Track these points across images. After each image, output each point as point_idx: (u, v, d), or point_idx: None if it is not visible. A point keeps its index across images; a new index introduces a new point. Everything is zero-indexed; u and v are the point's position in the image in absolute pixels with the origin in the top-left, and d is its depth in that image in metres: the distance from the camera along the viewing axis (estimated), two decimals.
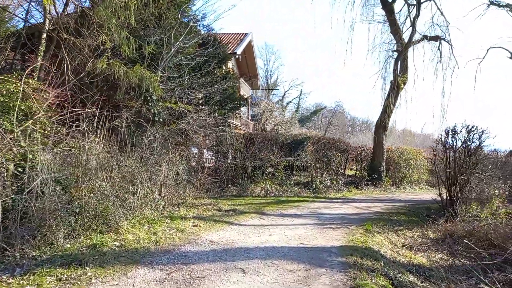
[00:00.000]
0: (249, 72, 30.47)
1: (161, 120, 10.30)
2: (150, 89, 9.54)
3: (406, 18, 17.07)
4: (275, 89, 43.25)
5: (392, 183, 16.33)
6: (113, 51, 8.90)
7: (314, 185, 13.99)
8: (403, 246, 6.87)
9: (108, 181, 5.91)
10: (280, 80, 54.49)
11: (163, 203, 7.46)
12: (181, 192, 9.34)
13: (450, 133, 9.49)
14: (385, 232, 7.53)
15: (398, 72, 16.15)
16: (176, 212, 7.56)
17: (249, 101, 28.47)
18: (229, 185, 12.78)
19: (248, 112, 29.69)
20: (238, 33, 26.01)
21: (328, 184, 14.34)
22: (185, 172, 11.23)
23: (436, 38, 16.76)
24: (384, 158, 16.19)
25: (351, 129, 63.65)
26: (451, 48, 16.67)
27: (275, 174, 14.34)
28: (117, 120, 9.19)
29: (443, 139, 9.80)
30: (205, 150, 15.92)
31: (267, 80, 54.11)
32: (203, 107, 15.16)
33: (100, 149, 5.98)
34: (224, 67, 16.52)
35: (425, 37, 16.93)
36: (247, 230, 6.62)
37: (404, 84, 16.48)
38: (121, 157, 7.03)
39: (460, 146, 9.28)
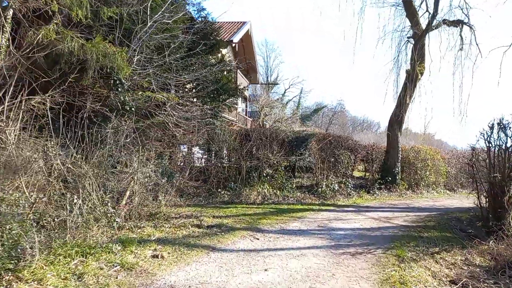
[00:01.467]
0: (247, 65, 28.50)
1: (132, 109, 8.31)
2: (118, 71, 7.56)
3: (422, 2, 15.08)
4: (276, 84, 41.24)
5: (407, 186, 14.34)
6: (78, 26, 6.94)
7: (320, 189, 12.01)
8: (451, 282, 4.88)
9: (23, 188, 3.92)
10: (281, 78, 52.51)
11: (118, 220, 5.45)
12: (154, 200, 7.36)
13: (497, 127, 7.48)
14: (421, 258, 5.54)
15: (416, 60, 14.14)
16: (138, 231, 5.57)
17: (247, 96, 26.50)
18: (219, 190, 10.80)
19: (246, 108, 27.69)
20: (235, 22, 24.02)
21: (336, 188, 12.34)
22: (165, 175, 9.28)
23: (457, 22, 14.73)
24: (400, 158, 14.20)
25: (352, 129, 61.83)
26: (474, 34, 14.66)
27: (274, 176, 12.35)
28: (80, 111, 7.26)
29: (485, 135, 7.79)
30: (196, 148, 13.99)
31: (267, 78, 52.10)
32: (194, 99, 13.21)
33: (12, 139, 3.98)
34: (218, 55, 14.52)
35: (444, 22, 14.89)
36: (233, 261, 4.62)
37: (422, 74, 14.48)
38: (59, 155, 5.04)
39: None
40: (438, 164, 15.68)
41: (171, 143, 11.01)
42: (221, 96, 13.29)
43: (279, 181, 12.17)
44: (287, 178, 13.22)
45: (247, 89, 21.19)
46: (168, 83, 9.35)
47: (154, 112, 8.74)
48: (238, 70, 23.23)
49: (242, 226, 6.78)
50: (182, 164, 11.67)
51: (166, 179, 9.47)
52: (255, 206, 9.53)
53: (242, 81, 24.64)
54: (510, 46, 14.96)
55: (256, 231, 6.51)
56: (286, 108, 39.50)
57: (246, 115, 27.63)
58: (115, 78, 7.96)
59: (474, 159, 8.12)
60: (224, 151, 12.59)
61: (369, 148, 15.61)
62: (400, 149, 14.33)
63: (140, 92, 8.67)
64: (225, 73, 14.72)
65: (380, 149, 15.57)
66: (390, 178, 13.78)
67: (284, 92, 52.16)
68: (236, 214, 8.01)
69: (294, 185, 12.06)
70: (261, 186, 11.00)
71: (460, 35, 14.67)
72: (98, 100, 7.98)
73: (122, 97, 8.13)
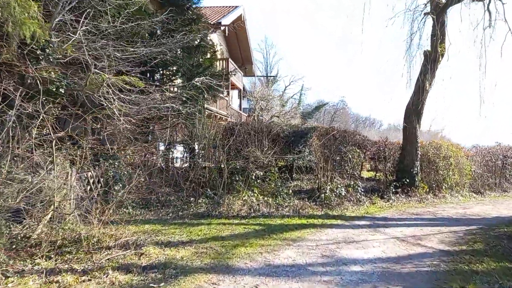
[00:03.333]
0: (241, 55, 26.11)
1: (61, 91, 5.97)
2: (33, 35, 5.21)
3: None
4: (273, 77, 38.76)
5: (427, 190, 11.93)
6: None
7: (323, 195, 9.63)
8: None
9: None
10: (280, 75, 50.14)
11: None
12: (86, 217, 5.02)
13: None
14: None
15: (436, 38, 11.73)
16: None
17: (241, 87, 24.14)
18: (195, 198, 8.46)
19: (241, 102, 25.31)
20: (226, 6, 21.64)
21: (343, 194, 9.96)
22: (120, 180, 7.03)
23: None
24: (419, 155, 11.79)
25: (354, 126, 59.52)
26: (503, 8, 12.23)
27: (266, 180, 10.00)
28: None
29: None
30: (180, 147, 11.67)
31: (266, 74, 49.79)
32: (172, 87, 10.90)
33: None
34: (204, 37, 12.12)
35: None
36: None
37: (442, 55, 12.07)
38: None
39: None
40: (462, 163, 13.25)
41: (135, 140, 8.69)
42: (195, 77, 10.85)
43: (273, 185, 9.81)
44: (282, 181, 10.88)
45: (234, 74, 18.72)
46: (115, 59, 6.96)
47: (108, 99, 6.35)
48: (230, 60, 20.85)
49: (203, 263, 4.41)
50: (157, 165, 9.33)
51: (120, 186, 7.18)
52: (236, 222, 7.17)
53: (235, 72, 22.26)
54: None
55: (224, 272, 4.14)
56: (287, 105, 37.13)
57: (241, 110, 25.27)
58: (34, 46, 5.61)
59: None
60: (206, 150, 10.25)
61: (380, 144, 13.20)
62: (419, 144, 11.92)
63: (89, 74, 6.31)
64: (208, 56, 12.37)
65: (394, 145, 13.16)
66: (407, 180, 11.37)
67: (285, 89, 49.80)
68: (203, 238, 5.63)
69: (290, 190, 9.68)
70: (248, 193, 8.63)
71: (488, 9, 12.20)
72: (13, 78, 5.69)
73: (46, 74, 5.78)
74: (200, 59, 11.88)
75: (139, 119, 8.64)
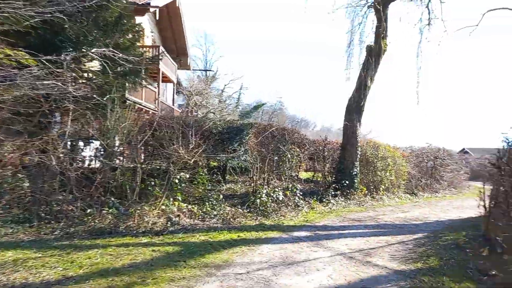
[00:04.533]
0: (176, 46, 24.04)
1: None
2: None
3: None
4: (210, 70, 37.04)
5: (366, 192, 11.41)
6: None
7: (258, 201, 8.41)
8: None
9: None
10: (220, 73, 48.52)
11: None
12: None
13: None
14: None
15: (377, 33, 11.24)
16: None
17: (175, 80, 22.15)
18: (89, 209, 6.63)
19: (174, 97, 23.30)
20: None
21: (281, 198, 8.86)
22: None
23: None
24: (358, 156, 11.19)
25: (291, 127, 59.97)
26: (441, 7, 12.24)
27: (194, 183, 8.51)
28: None
29: None
30: (96, 143, 9.57)
31: (206, 73, 47.85)
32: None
33: None
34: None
35: None
36: None
37: (385, 51, 11.65)
38: None
39: None
40: (399, 164, 13.07)
41: None
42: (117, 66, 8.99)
43: (200, 190, 8.35)
44: (213, 184, 9.48)
45: (160, 59, 16.84)
46: None
47: None
48: (162, 48, 18.80)
49: None
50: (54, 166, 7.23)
51: None
52: (145, 241, 5.56)
53: (169, 64, 20.25)
54: (477, 25, 12.88)
55: None
56: (225, 103, 35.64)
57: (174, 105, 23.23)
58: None
59: (502, 159, 5.07)
60: (118, 147, 8.39)
61: (319, 143, 12.44)
62: (359, 144, 11.33)
63: None
64: (129, 36, 10.44)
65: (333, 144, 12.49)
66: (347, 182, 10.69)
67: (224, 88, 48.38)
68: (86, 273, 3.93)
69: (221, 196, 8.27)
70: (167, 201, 7.03)
71: (428, 7, 12.07)
72: None
73: None
74: (120, 40, 9.95)
75: (26, 105, 6.60)
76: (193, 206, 7.48)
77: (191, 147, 7.62)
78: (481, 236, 6.91)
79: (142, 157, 8.80)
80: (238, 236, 6.07)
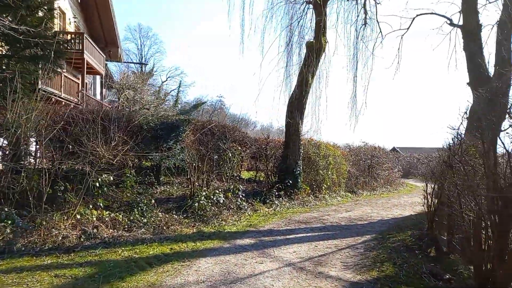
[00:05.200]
0: (105, 36, 21.87)
1: None
2: None
3: None
4: (144, 64, 34.79)
5: (309, 191, 11.07)
6: None
7: (196, 204, 7.51)
8: None
9: None
10: (157, 69, 45.99)
11: None
12: None
13: None
14: None
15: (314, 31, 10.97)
16: None
17: (103, 72, 20.10)
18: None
19: (102, 91, 21.18)
20: None
21: (221, 201, 8.05)
22: None
23: None
24: (301, 154, 10.80)
25: (232, 125, 59.46)
26: (376, 9, 12.45)
27: (121, 186, 7.34)
28: None
29: None
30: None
31: (141, 68, 45.00)
32: None
33: None
34: None
35: None
36: None
37: (324, 49, 11.42)
38: None
39: None
40: (339, 162, 13.02)
41: None
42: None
43: (129, 194, 7.21)
44: (145, 187, 8.36)
45: (78, 42, 15.08)
46: None
47: None
48: (87, 36, 16.79)
49: None
50: None
51: None
52: (48, 261, 4.36)
53: (94, 52, 18.21)
54: (407, 29, 13.30)
55: None
56: (162, 101, 33.65)
57: (102, 99, 21.10)
58: None
59: (454, 157, 4.81)
60: (33, 145, 6.89)
61: (262, 141, 11.86)
62: (301, 142, 10.95)
63: None
64: (40, 14, 8.80)
65: (276, 142, 12.00)
66: (290, 181, 10.23)
67: (161, 85, 46.03)
68: None
69: (153, 200, 7.20)
70: (86, 208, 5.82)
71: (364, 7, 12.14)
72: None
73: None
74: (28, 19, 8.33)
75: None
76: (118, 213, 6.33)
77: (113, 144, 6.43)
78: (426, 235, 6.82)
79: (56, 157, 7.35)
80: (171, 249, 5.12)
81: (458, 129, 4.78)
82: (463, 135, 5.03)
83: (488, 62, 10.81)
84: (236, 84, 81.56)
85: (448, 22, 12.16)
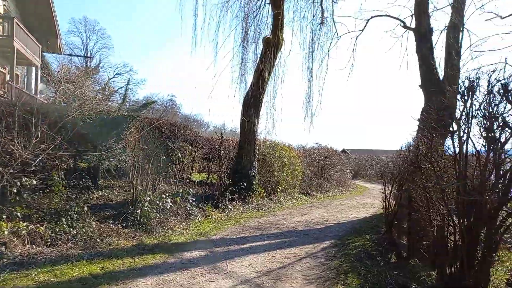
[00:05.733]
0: (42, 25, 19.68)
1: None
2: None
3: None
4: (86, 56, 32.28)
5: (264, 194, 10.57)
6: None
7: (139, 212, 6.62)
8: None
9: None
10: (104, 65, 43.02)
11: None
12: None
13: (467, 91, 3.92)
14: None
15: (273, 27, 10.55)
16: None
17: (38, 64, 18.07)
18: None
19: (37, 84, 19.06)
20: None
21: (169, 207, 7.21)
22: None
23: None
24: (256, 155, 10.26)
25: (183, 123, 57.80)
26: (332, 8, 12.36)
27: (47, 191, 6.23)
28: None
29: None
30: None
31: (86, 64, 41.83)
32: None
33: None
34: None
35: None
36: None
37: (281, 45, 11.03)
38: None
39: None
40: (295, 163, 12.70)
41: None
42: None
43: (56, 201, 6.13)
44: (79, 192, 7.29)
45: (8, 28, 13.39)
46: None
47: None
48: (18, 21, 14.86)
49: None
50: None
51: None
52: None
53: (27, 40, 16.24)
54: (362, 30, 13.38)
55: None
56: (105, 94, 31.37)
57: (37, 93, 18.95)
58: None
59: (421, 157, 4.50)
60: None
61: (215, 141, 11.14)
62: (257, 143, 10.42)
63: None
64: None
65: (230, 142, 11.35)
66: (245, 184, 9.63)
67: (108, 82, 43.21)
68: None
69: (86, 208, 6.18)
70: None
71: (321, 5, 11.96)
72: None
73: None
74: None
75: None
76: (40, 225, 5.27)
77: (34, 141, 5.36)
78: (384, 239, 6.59)
79: None
80: (102, 268, 4.24)
81: (425, 129, 4.46)
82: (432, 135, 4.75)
83: (439, 65, 11.13)
84: (189, 81, 79.53)
85: (402, 24, 12.36)
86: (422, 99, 9.83)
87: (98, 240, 5.34)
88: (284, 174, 11.80)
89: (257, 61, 10.54)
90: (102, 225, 5.97)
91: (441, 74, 10.72)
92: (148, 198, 7.08)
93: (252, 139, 10.11)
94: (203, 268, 4.47)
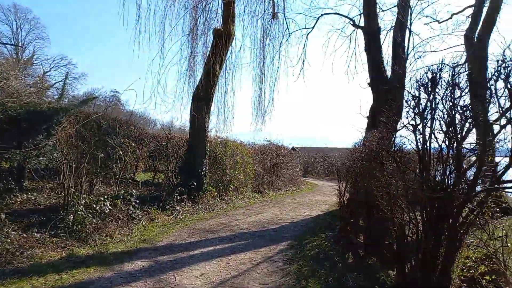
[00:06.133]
0: None
1: None
2: None
3: None
4: (17, 46, 29.08)
5: (215, 194, 10.02)
6: None
7: (71, 217, 5.76)
8: None
9: None
10: (39, 57, 39.02)
11: None
12: None
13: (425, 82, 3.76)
14: None
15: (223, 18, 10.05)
16: None
17: None
18: None
19: None
20: None
21: (107, 210, 6.41)
22: None
23: None
24: (207, 152, 9.68)
25: (126, 119, 54.70)
26: (284, 3, 12.19)
27: None
28: None
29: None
30: None
31: (17, 55, 37.62)
32: None
33: None
34: None
35: None
36: None
37: (233, 38, 10.55)
38: None
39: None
40: (247, 161, 12.30)
41: None
42: None
43: None
44: None
45: None
46: None
47: None
48: None
49: None
50: None
51: None
52: None
53: None
54: (312, 28, 13.40)
55: None
56: (38, 87, 28.45)
57: None
58: None
59: (383, 153, 4.29)
60: None
61: (162, 138, 10.36)
62: (208, 140, 9.84)
63: None
64: None
65: (179, 140, 10.62)
66: (195, 183, 9.01)
67: (43, 75, 39.42)
68: None
69: (3, 216, 5.21)
70: None
71: None
72: None
73: None
74: None
75: None
76: None
77: None
78: (341, 238, 6.41)
79: None
80: None
81: (391, 123, 4.25)
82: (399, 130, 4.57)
83: (387, 63, 11.40)
84: (133, 76, 75.75)
85: (351, 23, 12.52)
86: (370, 97, 9.90)
87: (17, 254, 4.46)
88: (237, 172, 11.35)
89: (207, 53, 9.97)
90: (25, 235, 5.07)
91: (388, 72, 11.01)
92: (83, 202, 6.23)
93: (202, 135, 9.50)
94: (145, 283, 3.86)
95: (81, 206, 6.07)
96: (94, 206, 6.34)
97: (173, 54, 19.93)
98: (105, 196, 6.87)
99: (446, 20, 13.50)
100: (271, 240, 6.10)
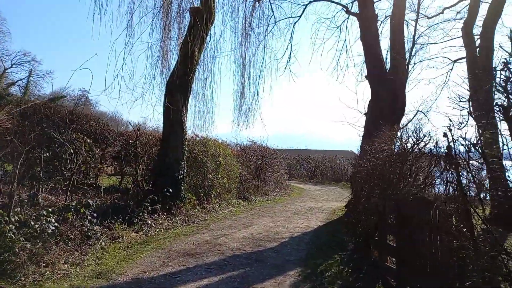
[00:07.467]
0: None
1: None
2: None
3: None
4: None
5: (196, 201, 8.38)
6: None
7: None
8: None
9: None
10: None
11: None
12: None
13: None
14: None
15: None
16: None
17: None
18: None
19: None
20: None
21: (52, 229, 4.67)
22: None
23: None
24: (185, 152, 8.04)
25: (85, 113, 51.36)
26: None
27: None
28: None
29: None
30: None
31: None
32: None
33: None
34: None
35: None
36: None
37: (213, 21, 9.00)
38: None
39: None
40: (230, 163, 10.72)
41: None
42: None
43: None
44: None
45: None
46: None
47: None
48: None
49: None
50: None
51: None
52: None
53: None
54: (300, 16, 12.15)
55: None
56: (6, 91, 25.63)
57: None
58: None
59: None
60: None
61: (130, 136, 8.62)
62: (186, 137, 8.20)
63: None
64: None
65: (151, 138, 8.91)
66: (171, 189, 7.33)
67: (3, 73, 36.15)
68: None
69: None
70: None
71: None
72: None
73: None
74: None
75: None
76: None
77: None
78: (357, 259, 4.97)
79: None
80: None
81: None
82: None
83: (387, 55, 10.18)
84: (102, 71, 72.20)
85: (344, 9, 11.26)
86: (360, 93, 8.59)
87: None
88: (219, 176, 9.75)
89: (185, 34, 8.38)
90: None
91: (387, 65, 9.82)
92: (14, 218, 4.47)
93: (179, 132, 7.86)
94: None
95: (11, 225, 4.32)
96: (32, 223, 4.60)
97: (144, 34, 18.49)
98: (52, 209, 5.14)
99: (437, 15, 12.63)
100: (274, 267, 4.57)
